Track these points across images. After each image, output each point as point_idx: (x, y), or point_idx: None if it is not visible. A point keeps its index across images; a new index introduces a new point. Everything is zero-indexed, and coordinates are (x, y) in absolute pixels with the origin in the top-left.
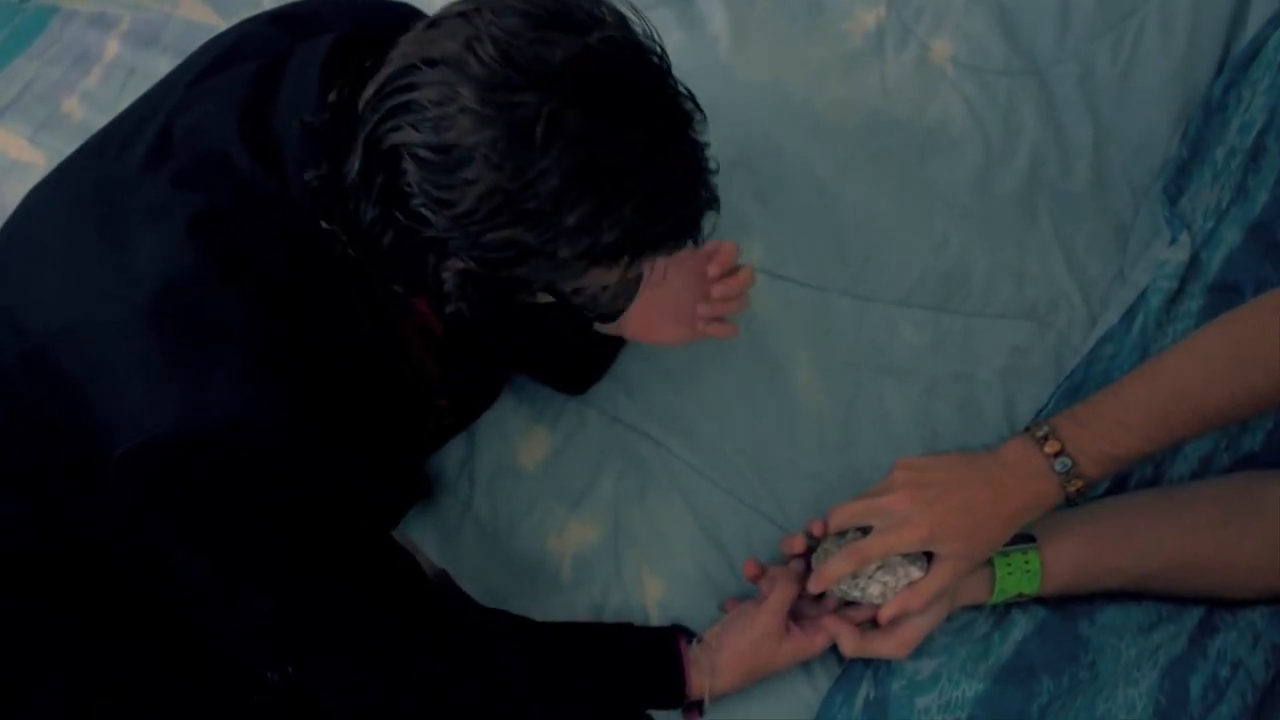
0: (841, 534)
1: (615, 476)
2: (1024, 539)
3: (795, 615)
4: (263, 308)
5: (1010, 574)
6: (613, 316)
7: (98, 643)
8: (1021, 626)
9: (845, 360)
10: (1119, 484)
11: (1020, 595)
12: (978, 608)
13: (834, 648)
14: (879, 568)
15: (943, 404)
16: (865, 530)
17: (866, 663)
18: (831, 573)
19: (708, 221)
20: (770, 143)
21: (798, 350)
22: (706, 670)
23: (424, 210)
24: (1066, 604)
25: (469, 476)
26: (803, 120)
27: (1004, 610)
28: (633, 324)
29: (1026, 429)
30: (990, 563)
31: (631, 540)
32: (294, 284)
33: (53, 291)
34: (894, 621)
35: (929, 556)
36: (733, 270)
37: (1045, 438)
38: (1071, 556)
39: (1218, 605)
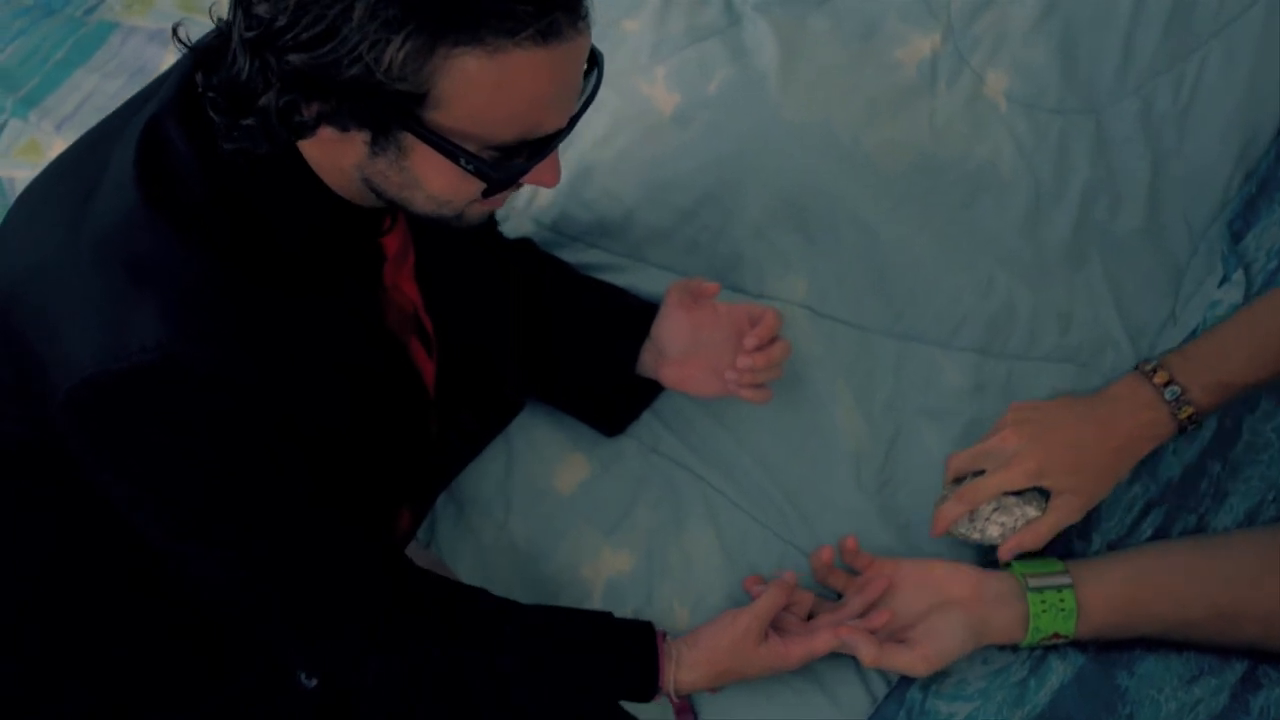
0: (958, 481)
1: (651, 506)
2: (1060, 579)
3: (781, 630)
4: (203, 250)
5: (1045, 611)
6: (505, 177)
7: (125, 640)
8: (1059, 674)
9: (886, 400)
10: (1162, 531)
11: (1056, 636)
12: (1014, 650)
13: (859, 686)
14: (995, 509)
15: None
16: (977, 473)
17: (900, 702)
18: (948, 515)
19: (569, 24)
20: (816, 182)
21: (839, 388)
22: (679, 664)
23: (255, 7)
24: (1105, 653)
25: (505, 498)
26: (850, 160)
27: (1041, 656)
28: (669, 372)
29: (1135, 368)
30: (1025, 600)
31: (664, 570)
32: (247, 230)
33: (13, 253)
34: (919, 636)
35: (1046, 498)
36: (770, 341)
37: (1153, 370)
38: (1108, 598)
39: (1263, 659)
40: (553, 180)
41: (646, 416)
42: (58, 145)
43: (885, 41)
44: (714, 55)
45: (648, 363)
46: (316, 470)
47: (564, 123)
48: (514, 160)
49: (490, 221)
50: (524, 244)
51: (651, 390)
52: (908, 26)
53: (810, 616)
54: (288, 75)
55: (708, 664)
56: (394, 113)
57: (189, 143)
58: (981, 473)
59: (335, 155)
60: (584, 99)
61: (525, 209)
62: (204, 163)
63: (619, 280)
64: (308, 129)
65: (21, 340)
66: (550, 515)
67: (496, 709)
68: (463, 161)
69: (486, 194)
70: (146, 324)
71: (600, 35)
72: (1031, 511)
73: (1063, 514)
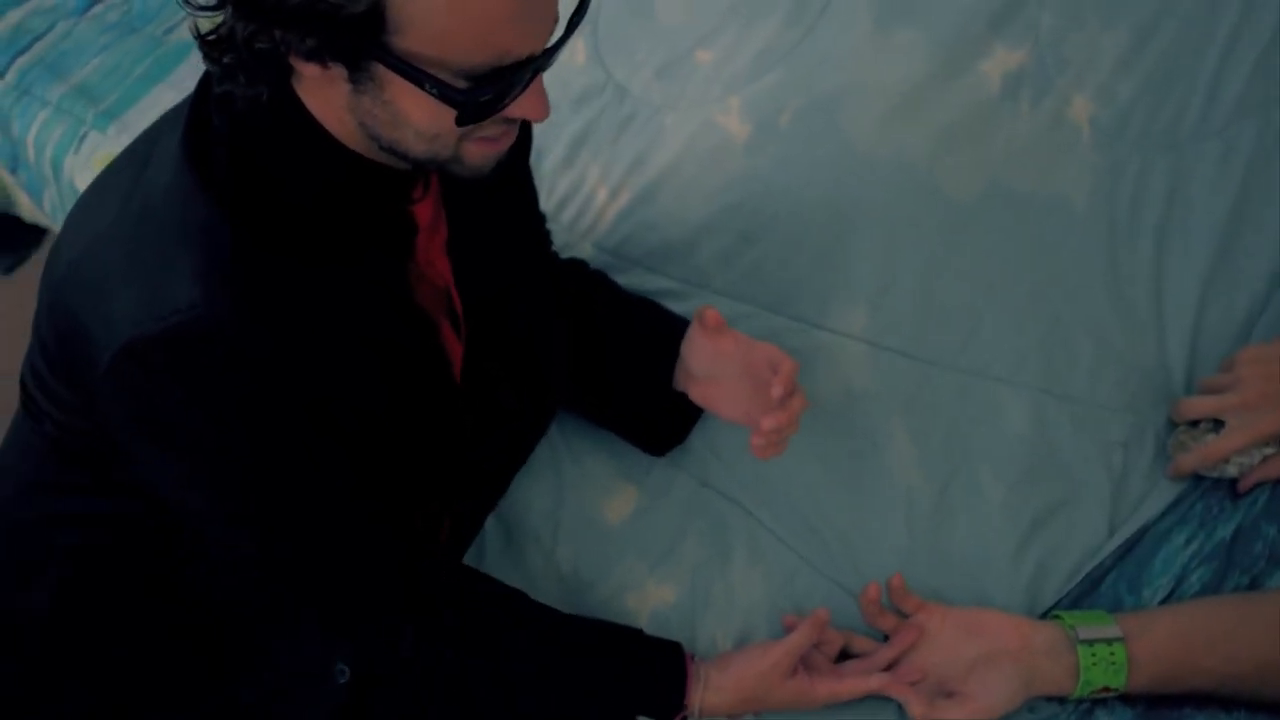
0: (1194, 423)
1: (698, 540)
2: (1110, 631)
3: (810, 667)
4: (226, 211)
5: (1095, 664)
6: (479, 107)
7: (126, 640)
8: None
9: (944, 438)
10: (1212, 589)
11: (1105, 690)
12: (1061, 702)
13: None
14: None
15: (1040, 491)
16: (1216, 420)
17: None
18: (1187, 467)
19: None
20: (882, 211)
21: (895, 425)
22: (706, 685)
23: None
24: (1154, 709)
25: (553, 526)
26: (919, 191)
27: (1088, 709)
28: (696, 390)
29: None
30: (1075, 651)
31: (709, 604)
32: (258, 188)
33: (72, 238)
34: (969, 691)
35: None
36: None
37: None
38: (1158, 652)
39: None
40: (539, 113)
41: (697, 448)
42: None
43: (971, 54)
44: (787, 85)
45: (679, 378)
46: (355, 460)
47: (537, 49)
48: (486, 87)
49: (543, 238)
50: (574, 264)
51: (692, 413)
52: (996, 39)
53: (844, 655)
54: (248, 4)
55: (734, 689)
56: (356, 40)
57: (219, 104)
58: (1219, 422)
59: (327, 99)
60: (566, 30)
61: (587, 232)
62: (230, 123)
63: (679, 307)
64: (279, 60)
65: (76, 319)
66: (598, 545)
67: (505, 716)
68: (428, 87)
69: (460, 121)
70: (181, 285)
71: (675, 66)
72: (1269, 449)
73: None
